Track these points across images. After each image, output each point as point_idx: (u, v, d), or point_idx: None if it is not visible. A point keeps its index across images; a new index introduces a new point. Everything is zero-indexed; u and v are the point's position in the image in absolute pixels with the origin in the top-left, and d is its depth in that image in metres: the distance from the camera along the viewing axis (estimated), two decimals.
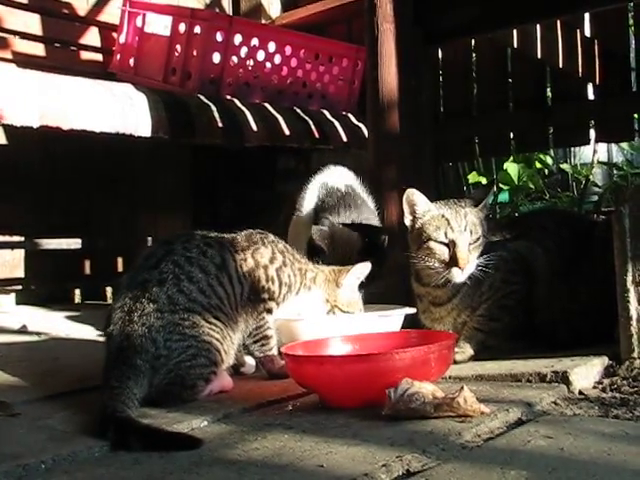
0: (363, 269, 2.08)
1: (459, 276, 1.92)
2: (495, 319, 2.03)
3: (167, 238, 1.88)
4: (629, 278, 1.76)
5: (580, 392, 1.67)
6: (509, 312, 2.04)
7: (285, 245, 2.07)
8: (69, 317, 3.31)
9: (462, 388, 1.47)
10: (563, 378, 1.70)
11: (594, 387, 1.72)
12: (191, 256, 1.79)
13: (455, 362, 1.85)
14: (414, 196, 1.98)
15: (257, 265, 1.93)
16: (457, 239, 1.90)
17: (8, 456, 1.33)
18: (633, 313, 1.76)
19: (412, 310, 2.08)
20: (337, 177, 2.61)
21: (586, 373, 1.75)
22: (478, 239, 1.93)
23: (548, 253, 2.09)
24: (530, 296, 2.06)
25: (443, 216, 1.93)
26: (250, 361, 2.02)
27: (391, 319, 2.05)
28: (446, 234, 1.91)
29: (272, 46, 3.65)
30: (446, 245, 1.92)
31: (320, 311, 2.06)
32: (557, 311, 2.06)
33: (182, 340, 1.68)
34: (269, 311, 1.95)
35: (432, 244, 1.93)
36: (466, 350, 2.00)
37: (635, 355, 1.76)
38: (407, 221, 2.01)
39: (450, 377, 1.80)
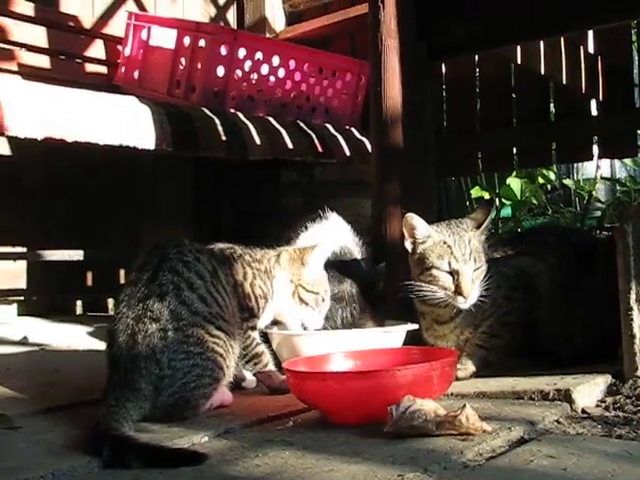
0: (328, 246, 2.07)
1: (464, 304, 1.91)
2: (497, 335, 2.02)
3: (157, 244, 1.84)
4: (632, 296, 1.75)
5: (583, 410, 1.66)
6: (511, 329, 2.03)
7: (245, 251, 2.04)
8: (71, 328, 3.30)
9: (464, 406, 1.46)
10: (566, 396, 1.69)
11: (597, 406, 1.71)
12: (188, 260, 1.77)
13: (457, 379, 1.85)
14: (413, 220, 1.96)
15: (236, 283, 1.93)
16: (461, 269, 1.89)
17: (7, 470, 1.33)
18: (637, 331, 1.75)
19: (414, 326, 2.07)
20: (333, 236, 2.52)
21: (589, 391, 1.74)
22: (481, 265, 1.93)
23: (550, 269, 2.08)
24: (532, 312, 2.05)
25: (445, 242, 1.92)
26: (250, 376, 2.02)
27: (393, 335, 2.04)
28: (450, 263, 1.90)
29: (276, 60, 3.66)
30: (450, 273, 1.91)
31: (284, 294, 2.05)
32: (559, 328, 2.05)
33: (187, 359, 1.66)
34: (253, 328, 1.96)
35: (435, 272, 1.92)
36: (468, 367, 1.99)
37: (639, 374, 1.75)
38: (408, 245, 2.00)
39: (452, 394, 1.79)
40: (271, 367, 1.96)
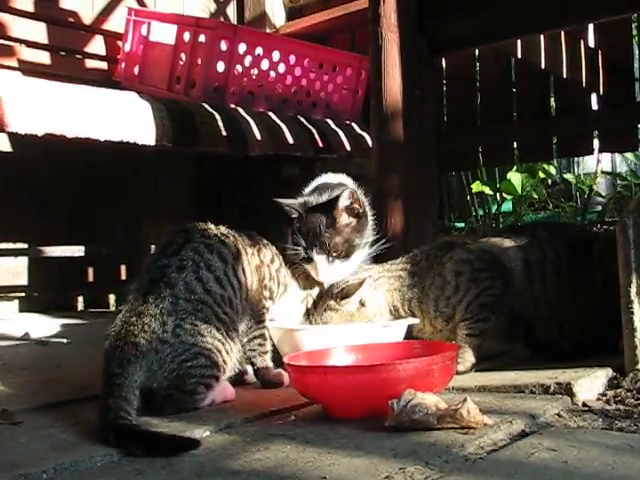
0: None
1: None
2: (481, 320, 2.01)
3: (184, 226, 1.89)
4: (633, 289, 1.75)
5: (584, 404, 1.66)
6: (491, 309, 2.01)
7: (276, 249, 2.09)
8: (72, 324, 3.31)
9: (465, 399, 1.46)
10: (567, 390, 1.69)
11: (598, 399, 1.70)
12: (211, 243, 1.82)
13: (458, 373, 1.85)
14: None
15: (262, 263, 1.97)
16: None
17: (10, 465, 1.33)
18: (637, 325, 1.75)
19: (415, 320, 2.07)
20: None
21: (590, 385, 1.74)
22: None
23: (523, 247, 2.06)
24: (509, 291, 2.04)
25: None
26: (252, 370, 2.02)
27: (394, 329, 2.04)
28: None
29: (276, 55, 3.66)
30: None
31: (295, 300, 2.09)
32: (557, 322, 2.05)
33: (190, 334, 1.68)
34: (267, 310, 1.98)
35: None
36: (467, 359, 1.98)
37: (639, 367, 1.75)
38: None
39: (453, 388, 1.79)
40: (268, 358, 1.97)
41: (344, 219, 2.06)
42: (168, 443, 1.43)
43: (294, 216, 2.08)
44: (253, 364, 1.96)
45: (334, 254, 2.03)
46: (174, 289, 1.71)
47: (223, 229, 1.92)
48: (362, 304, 2.03)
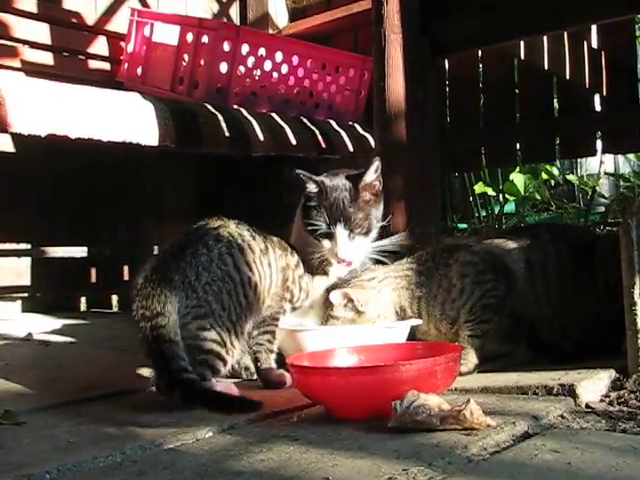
0: None
1: None
2: (484, 321, 2.01)
3: (220, 216, 1.97)
4: (636, 291, 1.74)
5: (587, 405, 1.66)
6: (494, 310, 2.01)
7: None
8: (75, 325, 3.31)
9: (468, 401, 1.46)
10: (570, 391, 1.69)
11: (601, 400, 1.70)
12: (242, 233, 1.90)
13: (460, 374, 1.85)
14: None
15: (288, 265, 2.00)
16: None
17: (13, 466, 1.33)
18: None
19: (418, 321, 2.07)
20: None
21: (593, 386, 1.74)
22: None
23: (525, 248, 2.07)
24: (512, 292, 2.04)
25: None
26: None
27: (397, 330, 2.04)
28: None
29: (279, 56, 3.66)
30: None
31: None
32: (559, 323, 2.05)
33: (216, 298, 1.74)
34: (284, 312, 2.01)
35: None
36: (470, 360, 1.98)
37: None
38: None
39: (456, 389, 1.79)
40: (272, 358, 1.98)
41: (367, 195, 2.07)
42: (231, 402, 1.58)
43: (314, 191, 2.06)
44: (258, 360, 1.96)
45: (357, 230, 2.03)
46: (210, 253, 1.77)
47: (254, 228, 1.99)
48: (360, 311, 2.03)
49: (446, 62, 4.15)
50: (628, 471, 1.21)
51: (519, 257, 2.05)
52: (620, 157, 6.62)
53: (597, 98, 3.89)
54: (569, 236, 2.16)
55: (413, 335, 2.10)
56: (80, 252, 3.74)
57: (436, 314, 2.05)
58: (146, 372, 2.01)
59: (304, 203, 2.09)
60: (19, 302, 3.80)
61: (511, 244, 2.08)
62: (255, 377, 2.00)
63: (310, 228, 2.03)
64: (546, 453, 1.31)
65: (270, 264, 1.92)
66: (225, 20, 4.57)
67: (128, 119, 2.92)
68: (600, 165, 5.74)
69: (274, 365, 1.97)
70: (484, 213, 5.68)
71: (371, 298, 2.05)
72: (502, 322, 2.03)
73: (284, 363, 1.89)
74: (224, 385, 1.78)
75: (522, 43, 3.57)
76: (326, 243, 2.03)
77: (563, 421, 1.55)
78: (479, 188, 5.40)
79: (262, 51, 3.59)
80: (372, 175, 2.06)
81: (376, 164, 2.06)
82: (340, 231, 2.01)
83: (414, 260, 2.14)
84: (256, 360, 1.96)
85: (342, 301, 2.03)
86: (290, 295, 2.00)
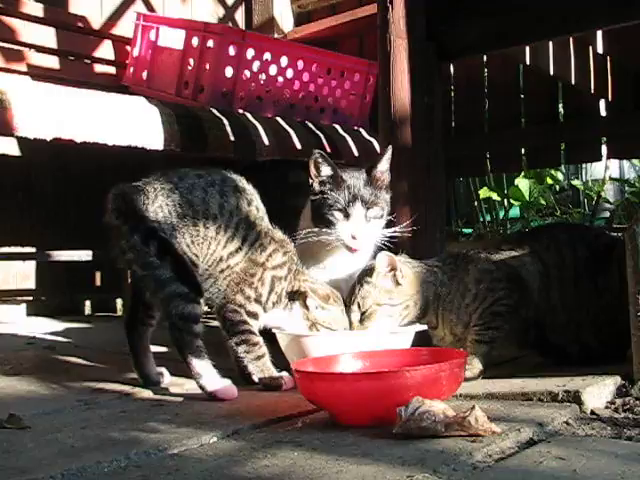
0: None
1: None
2: (492, 327, 2.01)
3: None
4: None
5: (592, 412, 1.66)
6: (504, 318, 2.01)
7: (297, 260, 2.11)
8: (79, 329, 3.32)
9: (473, 407, 1.46)
10: (575, 398, 1.68)
11: (606, 407, 1.70)
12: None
13: (465, 379, 1.84)
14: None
15: (262, 262, 2.04)
16: None
17: (17, 470, 1.33)
18: None
19: (423, 327, 2.07)
20: None
21: (598, 393, 1.73)
22: None
23: (540, 260, 2.07)
24: (523, 300, 2.04)
25: None
26: None
27: (402, 336, 2.04)
28: None
29: (284, 60, 3.66)
30: None
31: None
32: (568, 327, 2.04)
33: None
34: (249, 314, 2.01)
35: None
36: (475, 365, 1.98)
37: None
38: None
39: (461, 395, 1.79)
40: (265, 362, 1.99)
41: (380, 182, 2.17)
42: None
43: (329, 174, 2.14)
44: (251, 374, 1.98)
45: (373, 210, 2.11)
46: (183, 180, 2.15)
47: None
48: (399, 283, 2.03)
49: (452, 67, 4.15)
50: (634, 479, 1.20)
51: (535, 268, 2.06)
52: (625, 162, 6.62)
53: (602, 103, 3.89)
54: (587, 238, 2.16)
55: (429, 342, 2.10)
56: (85, 256, 3.74)
57: (452, 318, 2.05)
58: None
59: (316, 192, 2.16)
60: (24, 306, 3.80)
61: (526, 250, 2.08)
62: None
63: (323, 211, 2.10)
64: (551, 460, 1.31)
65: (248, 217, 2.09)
66: (230, 24, 4.58)
67: (133, 123, 2.92)
68: (605, 170, 5.73)
69: (270, 368, 1.98)
70: (489, 218, 5.67)
71: (411, 276, 2.06)
72: (513, 329, 2.03)
73: (287, 368, 1.90)
74: (225, 387, 1.79)
75: (527, 48, 3.57)
76: (341, 224, 2.08)
77: (568, 428, 1.55)
78: (484, 193, 5.40)
79: (267, 55, 3.59)
80: (386, 164, 2.18)
81: (389, 152, 2.16)
82: (358, 208, 2.09)
83: (440, 259, 2.16)
84: (249, 375, 1.99)
85: (386, 267, 2.02)
86: (254, 292, 2.00)
